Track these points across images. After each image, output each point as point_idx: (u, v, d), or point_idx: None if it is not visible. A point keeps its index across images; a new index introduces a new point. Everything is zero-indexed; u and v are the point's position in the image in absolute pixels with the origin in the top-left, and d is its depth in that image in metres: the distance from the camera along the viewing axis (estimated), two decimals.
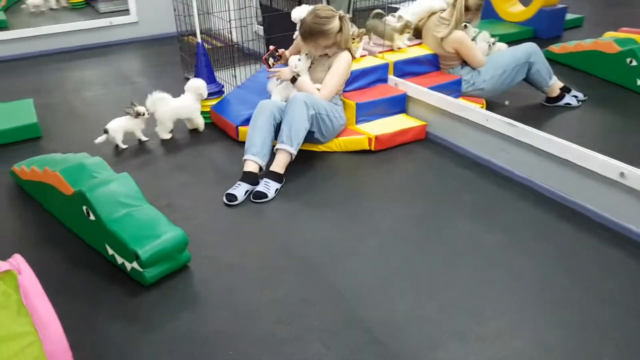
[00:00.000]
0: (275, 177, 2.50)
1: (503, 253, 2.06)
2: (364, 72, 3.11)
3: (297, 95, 2.61)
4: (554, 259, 2.02)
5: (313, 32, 2.71)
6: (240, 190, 2.44)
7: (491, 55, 3.31)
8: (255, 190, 2.45)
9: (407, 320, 1.74)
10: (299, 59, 2.81)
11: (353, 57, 2.93)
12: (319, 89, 2.80)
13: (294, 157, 2.56)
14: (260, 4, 4.11)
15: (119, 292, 1.91)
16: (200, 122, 3.17)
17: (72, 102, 3.78)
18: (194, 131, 3.20)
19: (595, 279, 1.91)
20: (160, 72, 4.30)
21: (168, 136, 3.10)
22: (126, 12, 5.01)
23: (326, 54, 2.85)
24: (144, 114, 2.99)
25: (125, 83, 4.12)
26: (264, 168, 2.56)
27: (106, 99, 3.81)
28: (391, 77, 3.20)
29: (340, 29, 2.76)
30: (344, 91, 3.03)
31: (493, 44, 3.36)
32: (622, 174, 2.11)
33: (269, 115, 2.61)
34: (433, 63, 3.33)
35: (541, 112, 3.24)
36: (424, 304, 1.81)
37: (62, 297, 1.77)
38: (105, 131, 2.95)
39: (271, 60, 2.95)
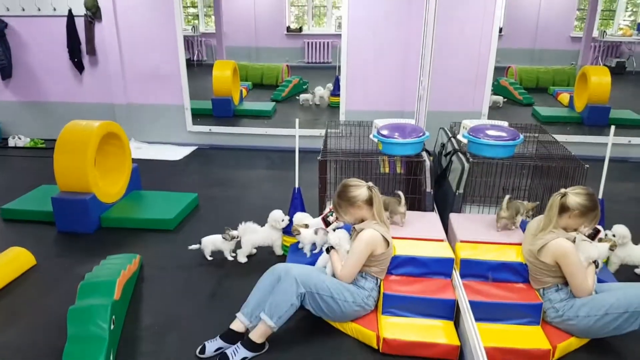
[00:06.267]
0: (249, 345, 2.51)
1: None
2: (414, 261, 2.80)
3: (293, 270, 2.59)
4: None
5: (341, 199, 2.73)
6: (213, 345, 2.55)
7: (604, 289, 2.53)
8: (223, 351, 2.52)
9: None
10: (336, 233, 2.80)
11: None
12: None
13: (274, 330, 2.53)
14: None
15: None
16: (277, 250, 3.45)
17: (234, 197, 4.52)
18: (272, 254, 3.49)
19: None
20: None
21: (244, 260, 3.43)
22: None
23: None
24: (237, 237, 3.41)
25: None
26: (250, 330, 2.59)
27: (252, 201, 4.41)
28: (455, 275, 2.77)
29: (370, 200, 2.69)
30: (391, 272, 2.80)
31: (596, 266, 2.64)
32: None
33: (275, 279, 2.64)
34: (520, 273, 2.73)
35: None
36: None
37: None
38: (199, 242, 3.48)
39: (330, 219, 2.99)
